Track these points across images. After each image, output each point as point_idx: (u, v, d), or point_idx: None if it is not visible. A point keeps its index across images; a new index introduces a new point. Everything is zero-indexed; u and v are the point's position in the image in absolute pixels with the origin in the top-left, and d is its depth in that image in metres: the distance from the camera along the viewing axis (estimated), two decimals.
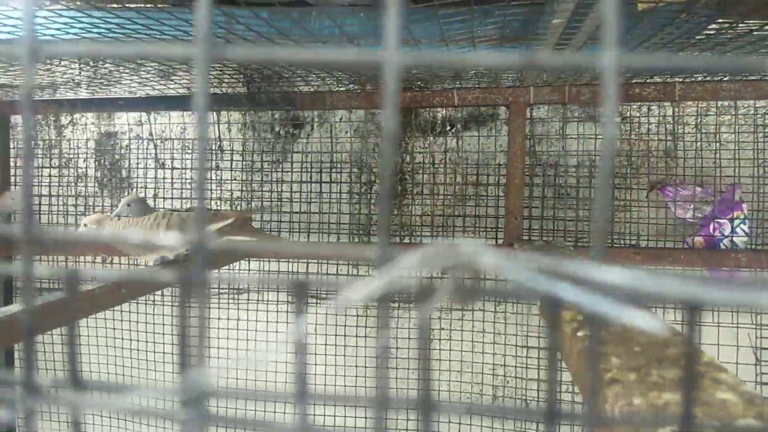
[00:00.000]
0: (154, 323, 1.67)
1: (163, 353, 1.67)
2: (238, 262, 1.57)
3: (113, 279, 0.93)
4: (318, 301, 1.48)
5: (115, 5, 0.88)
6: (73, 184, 1.73)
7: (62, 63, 1.18)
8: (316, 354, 1.57)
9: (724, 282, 0.14)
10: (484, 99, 1.33)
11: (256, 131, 1.64)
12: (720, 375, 0.43)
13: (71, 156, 1.74)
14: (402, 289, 0.15)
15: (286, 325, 1.61)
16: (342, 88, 1.43)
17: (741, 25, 0.84)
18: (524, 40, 0.95)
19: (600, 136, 1.46)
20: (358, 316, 1.56)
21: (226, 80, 1.41)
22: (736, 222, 1.34)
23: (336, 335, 1.57)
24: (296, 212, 1.58)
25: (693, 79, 1.26)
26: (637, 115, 1.45)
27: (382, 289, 0.15)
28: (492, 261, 0.15)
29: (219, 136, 1.65)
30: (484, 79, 1.37)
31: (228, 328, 1.61)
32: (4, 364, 1.64)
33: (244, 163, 1.63)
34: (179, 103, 1.52)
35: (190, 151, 1.67)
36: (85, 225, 1.02)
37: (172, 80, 1.38)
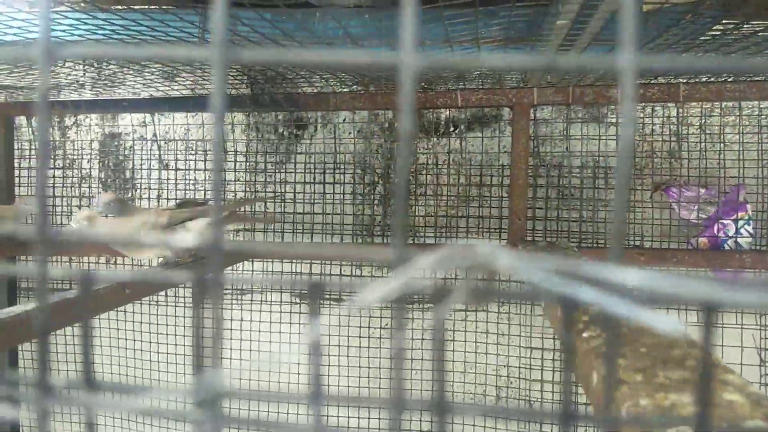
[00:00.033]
0: (157, 323, 1.67)
1: (167, 354, 1.67)
2: (241, 263, 1.58)
3: (126, 280, 0.93)
4: (332, 302, 1.47)
5: (119, 7, 0.88)
6: (77, 185, 1.74)
7: (66, 64, 1.18)
8: (329, 355, 1.56)
9: (740, 283, 0.14)
10: (488, 100, 1.33)
11: (260, 132, 1.64)
12: (727, 376, 0.43)
13: (75, 157, 1.75)
14: (418, 291, 0.15)
15: (290, 326, 1.61)
16: (345, 89, 1.43)
17: (746, 26, 0.84)
18: (528, 41, 0.95)
19: (603, 137, 1.46)
20: (371, 317, 1.56)
21: (229, 81, 1.41)
22: (741, 223, 1.33)
23: (350, 336, 1.57)
24: (299, 213, 1.59)
25: (697, 80, 1.25)
26: (641, 116, 1.45)
27: (398, 291, 0.15)
28: (508, 262, 0.15)
29: (223, 138, 1.65)
30: (487, 80, 1.37)
31: (231, 329, 1.61)
32: (8, 365, 1.64)
33: (248, 164, 1.64)
34: (183, 104, 1.52)
35: (193, 152, 1.67)
36: (78, 221, 1.01)
37: (176, 81, 1.38)
